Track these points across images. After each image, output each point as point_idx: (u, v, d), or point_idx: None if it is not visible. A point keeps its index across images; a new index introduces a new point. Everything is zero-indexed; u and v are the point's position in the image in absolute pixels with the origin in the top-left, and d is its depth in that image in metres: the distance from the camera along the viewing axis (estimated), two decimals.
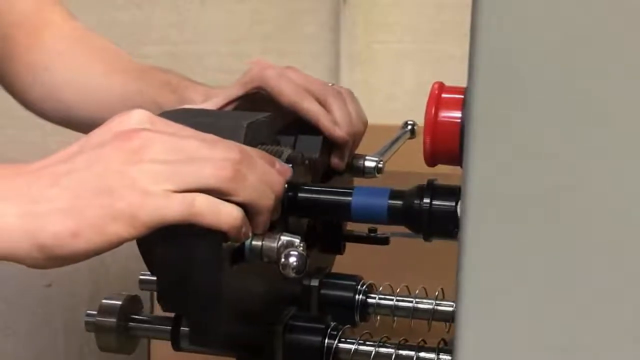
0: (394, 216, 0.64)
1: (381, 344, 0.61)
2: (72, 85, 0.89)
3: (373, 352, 0.61)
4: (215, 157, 0.52)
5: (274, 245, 0.55)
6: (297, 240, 0.55)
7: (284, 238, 0.55)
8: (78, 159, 0.52)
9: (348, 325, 0.64)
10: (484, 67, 0.42)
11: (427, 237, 0.65)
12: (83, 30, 0.93)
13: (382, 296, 0.71)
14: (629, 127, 0.41)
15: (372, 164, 0.75)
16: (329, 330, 0.62)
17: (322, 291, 0.69)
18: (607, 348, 0.43)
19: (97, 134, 0.54)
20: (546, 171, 0.42)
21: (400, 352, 0.60)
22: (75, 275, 1.47)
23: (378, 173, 0.75)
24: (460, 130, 0.49)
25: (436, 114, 0.51)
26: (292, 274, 0.54)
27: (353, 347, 0.61)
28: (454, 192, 0.64)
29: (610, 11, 0.40)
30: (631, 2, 0.40)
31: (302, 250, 0.55)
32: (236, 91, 0.75)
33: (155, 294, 0.99)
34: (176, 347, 0.61)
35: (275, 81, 0.73)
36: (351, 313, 0.69)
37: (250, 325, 0.60)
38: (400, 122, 0.81)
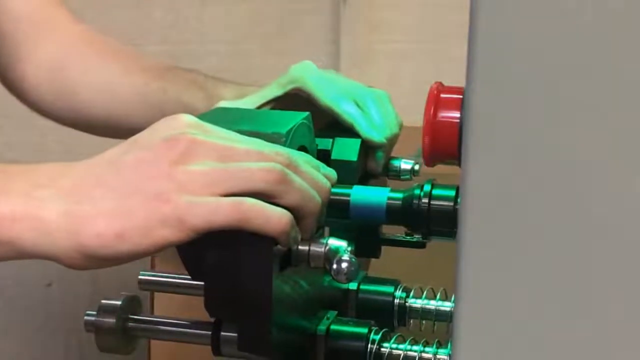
0: (392, 215, 0.65)
1: (424, 347, 0.61)
2: (90, 85, 0.88)
3: (417, 357, 0.60)
4: (262, 161, 0.52)
5: (321, 250, 0.55)
6: (344, 245, 0.55)
7: (331, 243, 0.55)
8: (125, 161, 0.52)
9: (387, 329, 0.63)
10: (483, 67, 0.42)
11: (425, 237, 0.65)
12: (93, 33, 0.92)
13: (424, 301, 0.68)
14: (630, 127, 0.41)
15: (408, 167, 0.75)
16: (371, 335, 0.61)
17: (361, 295, 0.68)
18: (607, 348, 0.43)
19: (144, 137, 0.53)
20: (546, 171, 0.42)
21: (440, 356, 0.60)
22: (75, 275, 1.46)
23: (414, 175, 0.75)
24: (459, 130, 0.49)
25: (435, 114, 0.51)
26: (344, 280, 0.53)
27: (401, 352, 0.60)
28: (453, 192, 0.64)
29: (611, 11, 0.40)
30: (632, 1, 0.40)
31: (352, 255, 0.54)
32: (274, 91, 0.75)
33: (155, 294, 1.00)
34: (217, 352, 0.58)
35: (314, 83, 0.73)
36: (390, 317, 0.68)
37: (295, 331, 0.59)
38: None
